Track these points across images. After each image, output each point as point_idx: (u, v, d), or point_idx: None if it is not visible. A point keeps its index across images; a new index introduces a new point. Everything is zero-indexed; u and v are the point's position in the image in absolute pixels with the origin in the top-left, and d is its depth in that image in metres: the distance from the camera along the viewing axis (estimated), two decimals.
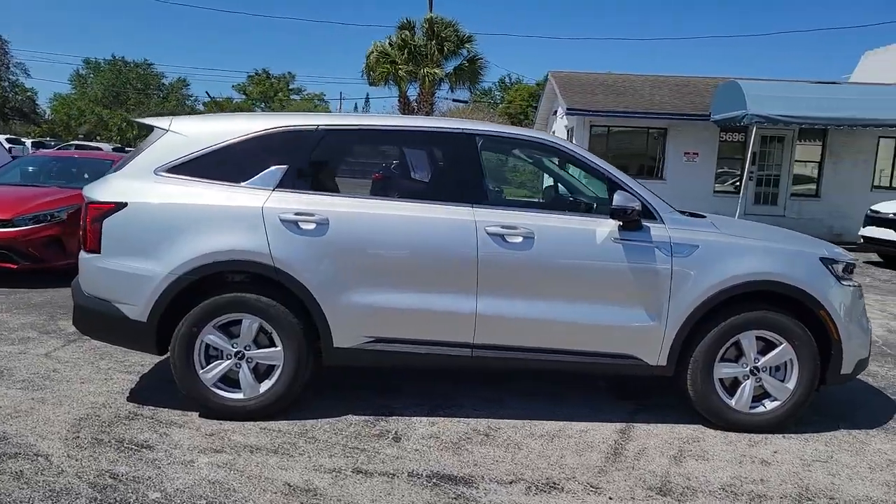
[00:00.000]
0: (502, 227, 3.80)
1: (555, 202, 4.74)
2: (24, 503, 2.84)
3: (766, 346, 3.92)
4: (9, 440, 3.45)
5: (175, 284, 3.69)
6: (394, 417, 3.93)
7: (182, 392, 3.84)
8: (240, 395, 3.82)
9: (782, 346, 3.88)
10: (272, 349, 3.82)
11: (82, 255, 3.91)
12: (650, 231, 3.84)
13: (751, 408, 3.92)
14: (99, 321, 3.85)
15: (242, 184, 3.84)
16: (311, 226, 3.75)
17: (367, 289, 3.77)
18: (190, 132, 3.96)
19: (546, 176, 4.85)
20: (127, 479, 3.08)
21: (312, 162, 4.00)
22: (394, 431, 3.74)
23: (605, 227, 3.83)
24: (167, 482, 3.06)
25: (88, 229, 3.81)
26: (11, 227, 7.32)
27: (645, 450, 3.59)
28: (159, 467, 3.21)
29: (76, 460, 3.25)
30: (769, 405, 3.93)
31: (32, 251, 7.34)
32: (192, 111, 51.37)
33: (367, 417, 3.91)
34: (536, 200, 4.72)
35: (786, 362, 3.91)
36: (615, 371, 3.93)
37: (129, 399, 4.08)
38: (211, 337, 3.79)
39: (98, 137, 49.82)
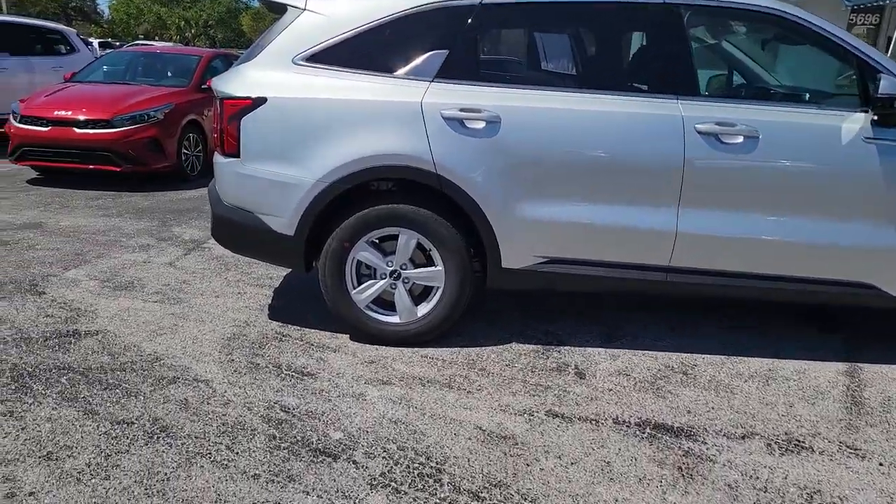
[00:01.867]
0: (717, 124, 3.09)
1: (776, 94, 3.88)
2: (200, 439, 2.52)
3: None
4: (162, 361, 3.15)
5: (325, 194, 3.20)
6: (566, 348, 3.45)
7: (332, 313, 3.44)
8: (395, 319, 3.40)
9: None
10: (431, 268, 3.34)
11: (218, 159, 3.45)
12: None
13: None
14: (241, 234, 3.43)
15: (395, 73, 3.23)
16: (480, 124, 3.14)
17: (544, 200, 3.18)
18: (330, 12, 3.32)
19: (750, 63, 4.00)
20: (300, 413, 2.73)
21: (477, 46, 3.34)
22: (573, 365, 3.26)
23: (854, 124, 3.07)
24: (345, 419, 2.69)
25: (226, 129, 3.32)
26: (111, 128, 7.00)
27: (891, 399, 3.00)
28: (329, 400, 2.84)
29: (240, 388, 2.92)
30: None
31: (133, 153, 7.03)
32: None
33: (534, 346, 3.45)
34: (754, 90, 3.90)
35: None
36: (841, 302, 3.29)
37: (271, 317, 3.73)
38: (364, 254, 3.33)
39: (157, 37, 49.53)
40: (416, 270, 3.35)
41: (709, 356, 3.38)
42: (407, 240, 3.29)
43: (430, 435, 2.60)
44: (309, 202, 3.22)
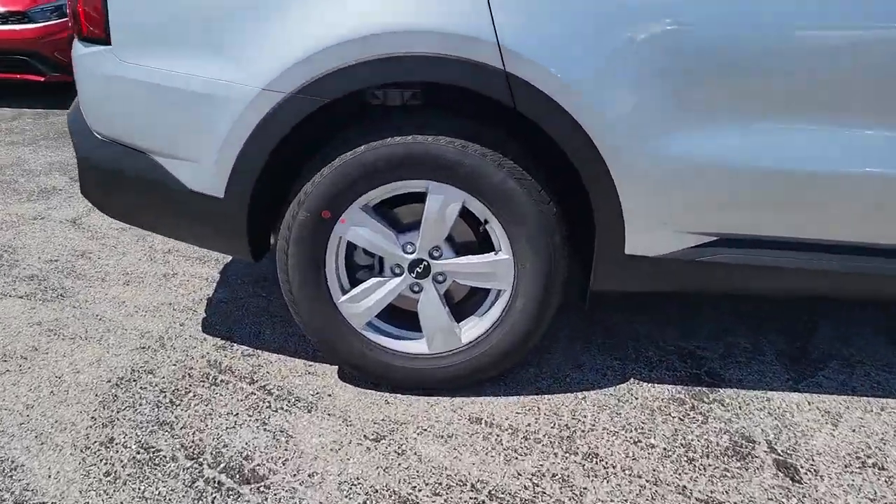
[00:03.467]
0: None
1: None
2: None
3: None
4: None
5: (281, 116, 1.58)
6: (728, 392, 1.91)
7: (306, 334, 1.91)
8: (418, 346, 1.84)
9: None
10: (489, 256, 1.76)
11: (77, 50, 1.82)
12: None
13: None
14: (128, 193, 1.84)
15: None
16: None
17: (725, 121, 1.56)
18: None
19: None
20: None
21: None
22: (760, 440, 1.72)
23: None
24: None
25: None
26: (29, 22, 5.25)
27: None
28: None
29: None
30: None
31: (60, 57, 5.31)
32: None
33: (671, 390, 1.91)
34: None
35: None
36: None
37: (206, 329, 2.20)
38: (360, 231, 1.74)
39: None
40: (459, 259, 1.77)
41: None
42: (443, 203, 1.68)
43: None
44: (250, 133, 1.61)
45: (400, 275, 1.79)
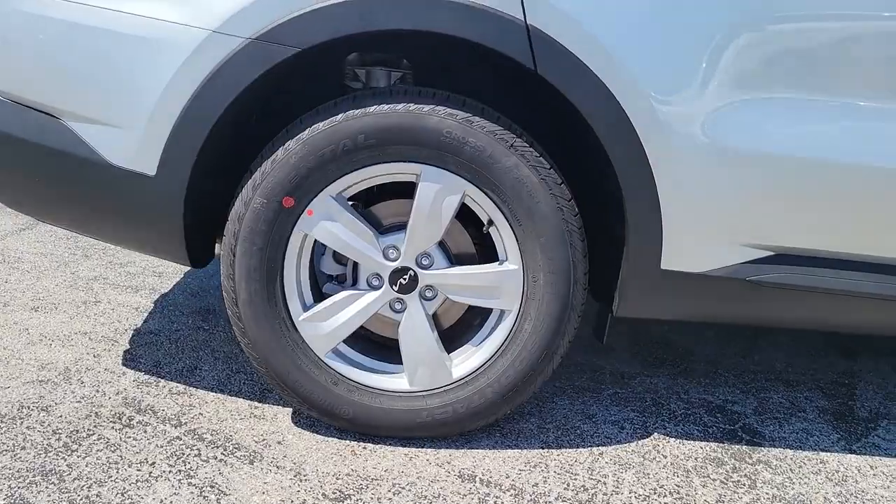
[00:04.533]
0: None
1: None
2: None
3: None
4: None
5: (236, 71, 1.25)
6: (774, 453, 1.56)
7: (252, 364, 1.50)
8: (398, 381, 1.45)
9: None
10: (492, 267, 1.41)
11: None
12: None
13: None
14: (26, 171, 1.45)
15: None
16: None
17: (792, 114, 1.29)
18: None
19: None
20: None
21: None
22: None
23: None
24: None
25: None
26: None
27: None
28: None
29: None
30: None
31: None
32: None
33: (708, 451, 1.55)
34: None
35: None
36: None
37: (129, 362, 1.76)
38: (329, 226, 1.38)
39: None
40: (455, 269, 1.41)
41: None
42: (438, 193, 1.34)
43: None
44: (194, 89, 1.27)
45: (378, 287, 1.42)
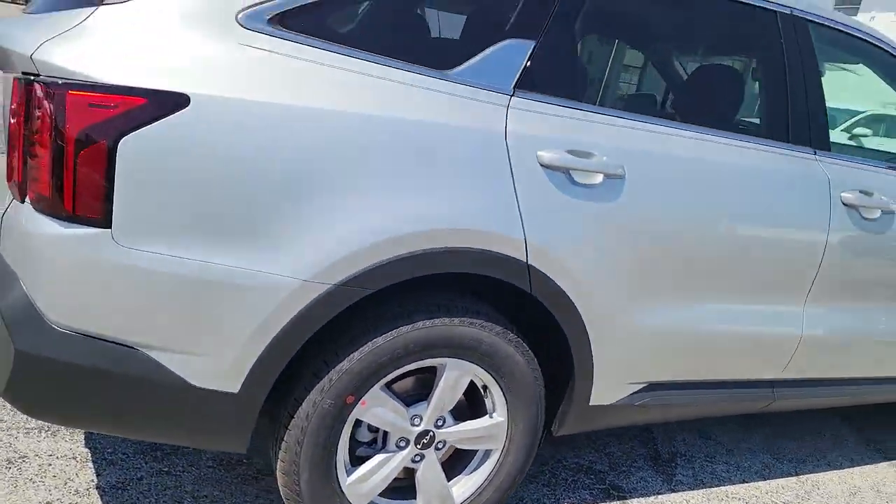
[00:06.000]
0: (861, 192, 2.29)
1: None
2: None
3: None
4: None
5: (323, 308, 1.54)
6: (636, 501, 2.34)
7: None
8: None
9: None
10: (487, 420, 1.91)
11: (41, 225, 1.45)
12: None
13: None
14: (99, 394, 1.49)
15: (448, 73, 1.71)
16: (596, 178, 1.82)
17: (666, 298, 2.02)
18: None
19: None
20: None
21: (579, 36, 1.97)
22: None
23: None
24: None
25: (74, 160, 1.38)
26: None
27: None
28: None
29: None
30: None
31: None
32: None
33: None
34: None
35: None
36: None
37: None
38: (378, 411, 1.74)
39: None
40: (461, 426, 1.88)
41: (788, 479, 2.61)
42: (457, 377, 1.80)
43: None
44: (284, 324, 1.53)
45: (405, 448, 1.82)
